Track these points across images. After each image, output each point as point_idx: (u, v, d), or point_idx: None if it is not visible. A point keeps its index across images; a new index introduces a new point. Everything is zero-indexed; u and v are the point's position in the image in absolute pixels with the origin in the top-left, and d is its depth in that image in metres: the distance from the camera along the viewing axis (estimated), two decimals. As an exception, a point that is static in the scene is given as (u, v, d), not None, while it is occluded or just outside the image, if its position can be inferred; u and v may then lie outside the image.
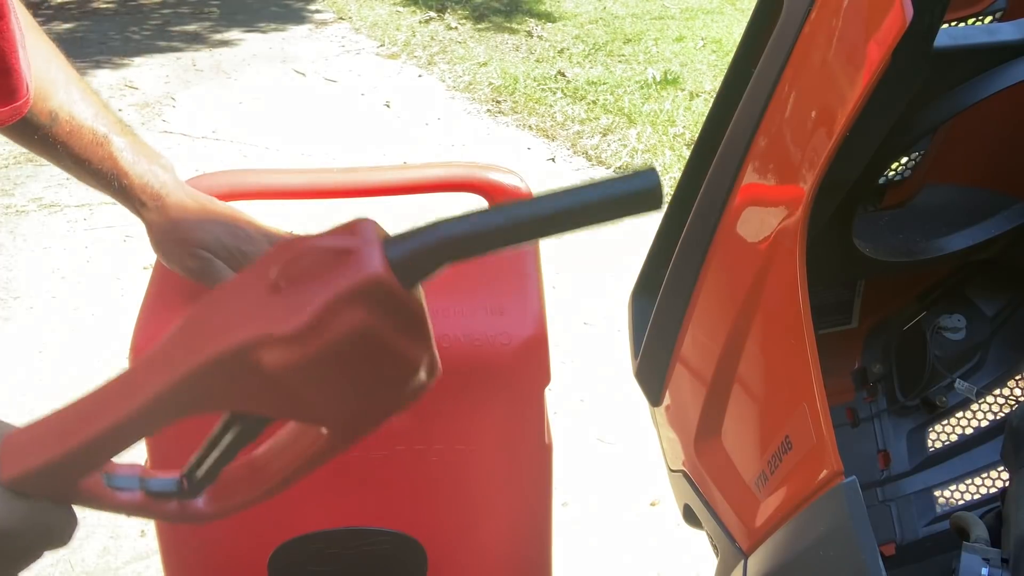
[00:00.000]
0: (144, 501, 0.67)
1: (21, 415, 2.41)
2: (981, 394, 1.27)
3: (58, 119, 0.97)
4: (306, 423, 0.64)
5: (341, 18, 6.38)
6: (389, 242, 0.59)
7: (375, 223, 0.61)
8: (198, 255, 1.02)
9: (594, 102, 4.67)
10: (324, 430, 0.64)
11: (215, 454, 0.66)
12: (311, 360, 0.57)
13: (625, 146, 4.18)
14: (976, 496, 1.27)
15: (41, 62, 0.95)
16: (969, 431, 1.29)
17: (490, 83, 5.00)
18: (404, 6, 6.54)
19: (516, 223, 0.60)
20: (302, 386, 0.59)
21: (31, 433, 0.63)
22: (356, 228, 0.59)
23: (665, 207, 1.20)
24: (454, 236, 0.60)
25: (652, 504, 2.21)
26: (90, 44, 5.55)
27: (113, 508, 0.67)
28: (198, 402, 0.61)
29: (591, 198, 0.59)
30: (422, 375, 0.63)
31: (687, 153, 2.16)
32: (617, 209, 0.60)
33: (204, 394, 0.60)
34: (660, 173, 3.96)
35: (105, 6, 6.49)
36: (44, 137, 0.97)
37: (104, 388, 0.62)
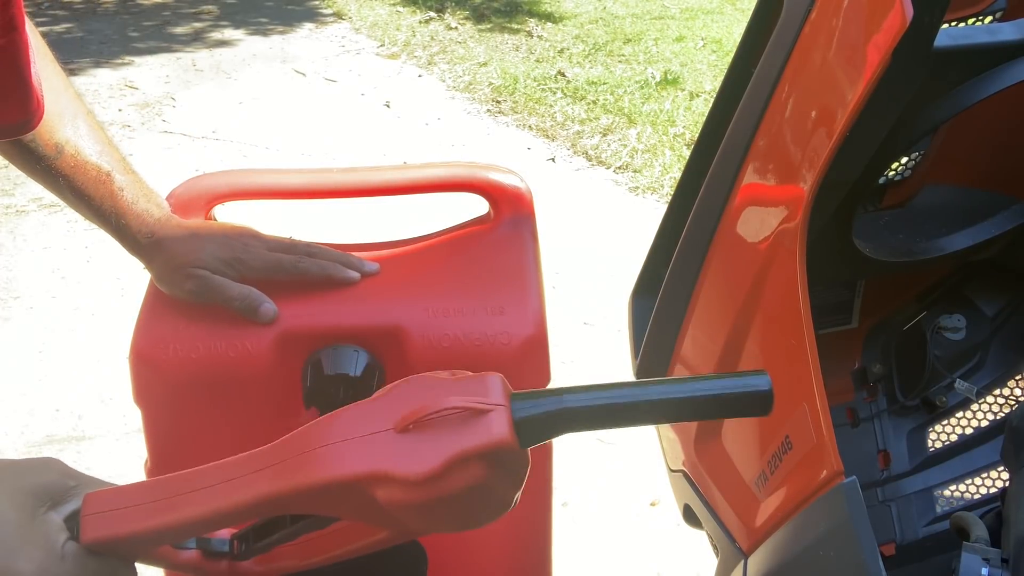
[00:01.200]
0: (199, 560, 0.70)
1: (21, 415, 2.41)
2: (981, 394, 1.27)
3: (63, 152, 0.98)
4: (377, 527, 0.67)
5: (341, 18, 6.38)
6: (516, 404, 0.62)
7: (503, 381, 0.64)
8: (194, 274, 1.03)
9: (594, 102, 4.67)
10: (387, 532, 0.67)
11: (279, 534, 0.68)
12: (423, 502, 0.60)
13: (625, 146, 4.18)
14: (976, 496, 1.27)
15: (51, 93, 0.95)
16: (969, 431, 1.29)
17: (490, 83, 5.00)
18: (404, 6, 6.54)
19: (637, 405, 0.63)
20: (402, 514, 0.62)
21: (118, 498, 0.65)
22: (488, 386, 0.63)
23: (666, 207, 1.21)
24: (576, 409, 0.63)
25: (652, 504, 2.21)
26: (90, 44, 5.55)
27: (173, 566, 0.69)
28: (297, 507, 0.63)
29: (707, 392, 0.63)
30: (507, 509, 0.66)
31: (687, 153, 2.16)
32: (729, 407, 0.64)
33: (307, 503, 0.62)
34: (662, 172, 3.92)
35: (106, 6, 6.50)
36: (47, 168, 0.98)
37: (205, 472, 0.64)
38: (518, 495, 0.66)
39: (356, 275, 1.08)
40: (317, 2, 6.78)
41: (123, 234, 1.04)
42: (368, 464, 0.60)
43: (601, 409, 0.63)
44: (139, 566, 0.68)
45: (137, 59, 5.42)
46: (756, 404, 0.62)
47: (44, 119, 0.93)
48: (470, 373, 0.64)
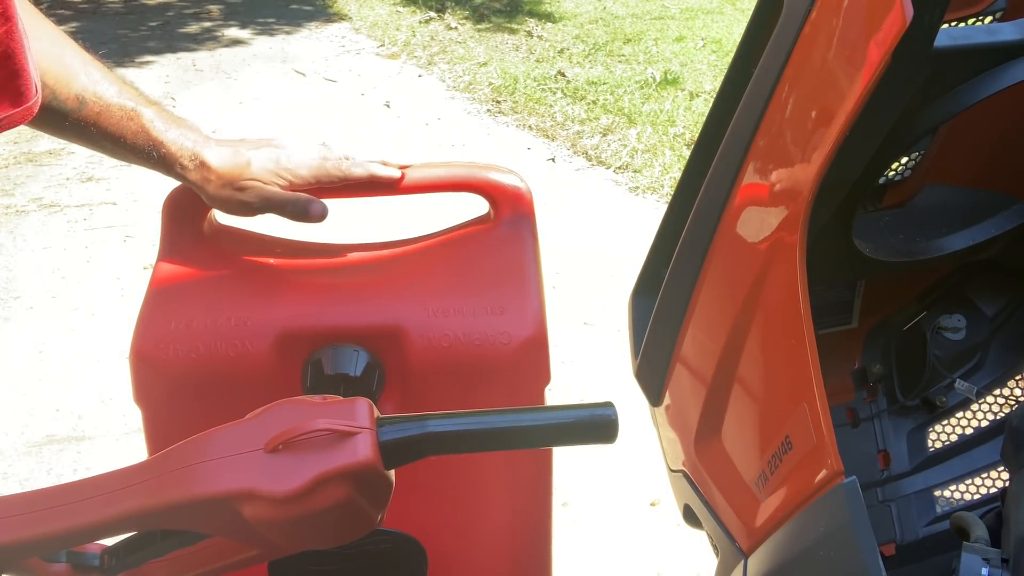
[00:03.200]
0: (69, 573, 0.71)
1: (21, 415, 2.40)
2: (981, 394, 1.27)
3: (85, 102, 0.99)
4: (246, 544, 0.69)
5: (341, 18, 6.38)
6: (382, 428, 0.66)
7: (371, 406, 0.67)
8: (247, 186, 1.05)
9: (594, 102, 4.67)
10: (255, 550, 0.69)
11: (148, 549, 0.70)
12: (288, 519, 0.63)
13: (625, 146, 4.18)
14: (976, 496, 1.27)
15: (56, 49, 0.97)
16: (969, 431, 1.29)
17: (490, 83, 5.00)
18: (404, 6, 6.54)
19: (494, 432, 0.69)
20: (267, 531, 0.64)
21: None
22: (355, 410, 0.66)
23: (666, 207, 1.21)
24: (439, 433, 0.67)
25: (652, 504, 2.21)
26: (91, 43, 5.55)
27: None
28: (168, 522, 0.65)
29: (558, 420, 0.70)
30: (371, 528, 0.70)
31: (687, 153, 2.16)
32: (579, 435, 0.70)
33: (176, 519, 0.64)
34: (662, 172, 3.92)
35: (110, 5, 6.49)
36: (75, 122, 0.99)
37: (78, 486, 0.65)
38: (382, 515, 0.69)
39: (397, 172, 1.10)
40: (317, 2, 6.78)
41: (168, 163, 1.05)
42: (237, 482, 0.62)
43: (461, 434, 0.68)
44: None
45: (137, 59, 5.43)
46: (603, 433, 0.70)
47: (57, 75, 0.95)
48: (340, 398, 0.67)
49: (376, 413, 0.67)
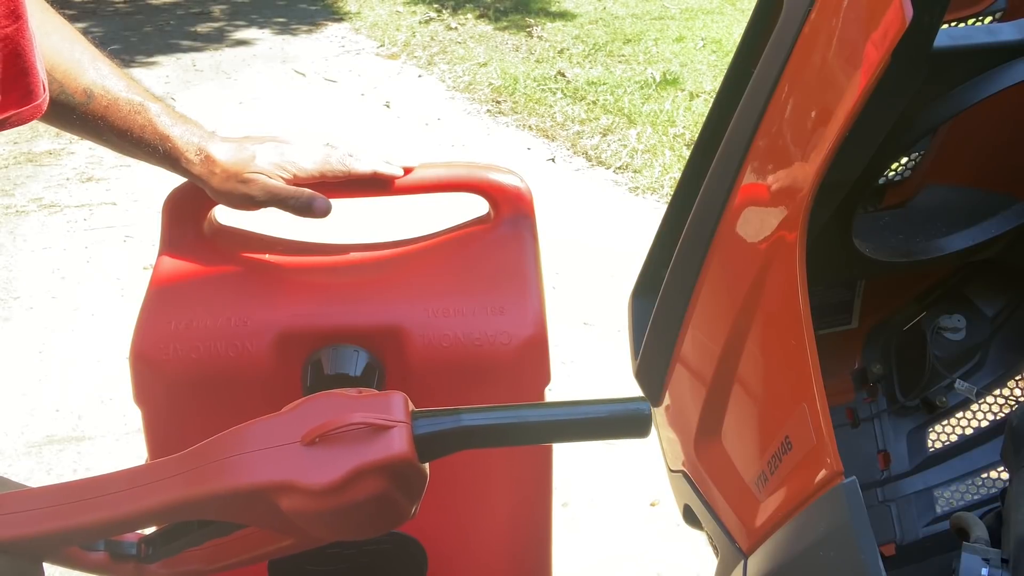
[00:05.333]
0: (107, 562, 0.72)
1: (21, 415, 2.40)
2: (981, 394, 1.27)
3: (93, 95, 1.00)
4: (281, 534, 0.70)
5: (341, 18, 6.38)
6: (417, 422, 0.66)
7: (406, 399, 0.68)
8: (251, 179, 1.05)
9: (594, 102, 4.67)
10: (290, 540, 0.70)
11: (185, 539, 0.71)
12: (324, 511, 0.64)
13: (625, 146, 4.18)
14: (976, 496, 1.27)
15: (65, 44, 0.98)
16: (969, 431, 1.29)
17: (490, 83, 5.00)
18: (404, 6, 6.54)
19: (528, 425, 0.69)
20: (304, 522, 0.65)
21: (28, 500, 0.67)
22: (391, 404, 0.67)
23: (665, 207, 1.21)
24: (473, 427, 0.68)
25: (652, 504, 2.21)
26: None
27: (80, 567, 0.71)
28: (206, 513, 0.66)
29: (593, 415, 0.70)
30: (405, 519, 0.70)
31: (687, 153, 2.16)
32: (613, 430, 0.71)
33: (213, 510, 0.65)
34: (662, 172, 3.93)
35: (114, 5, 6.49)
36: (83, 116, 1.00)
37: (116, 477, 0.67)
38: (416, 507, 0.70)
39: (400, 170, 1.11)
40: (318, 2, 6.78)
41: (174, 157, 1.05)
42: (274, 474, 0.63)
43: (495, 428, 0.68)
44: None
45: (138, 58, 5.43)
46: (636, 427, 0.70)
47: (66, 69, 0.96)
48: (376, 391, 0.68)
49: (411, 407, 0.67)
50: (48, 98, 0.90)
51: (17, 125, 0.90)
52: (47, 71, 0.90)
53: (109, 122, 1.01)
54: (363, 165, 1.09)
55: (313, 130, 4.36)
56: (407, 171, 1.12)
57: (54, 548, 0.67)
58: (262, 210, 1.09)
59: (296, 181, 1.07)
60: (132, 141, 1.03)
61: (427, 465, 0.68)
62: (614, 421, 0.70)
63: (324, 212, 1.07)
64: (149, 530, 0.72)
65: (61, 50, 0.97)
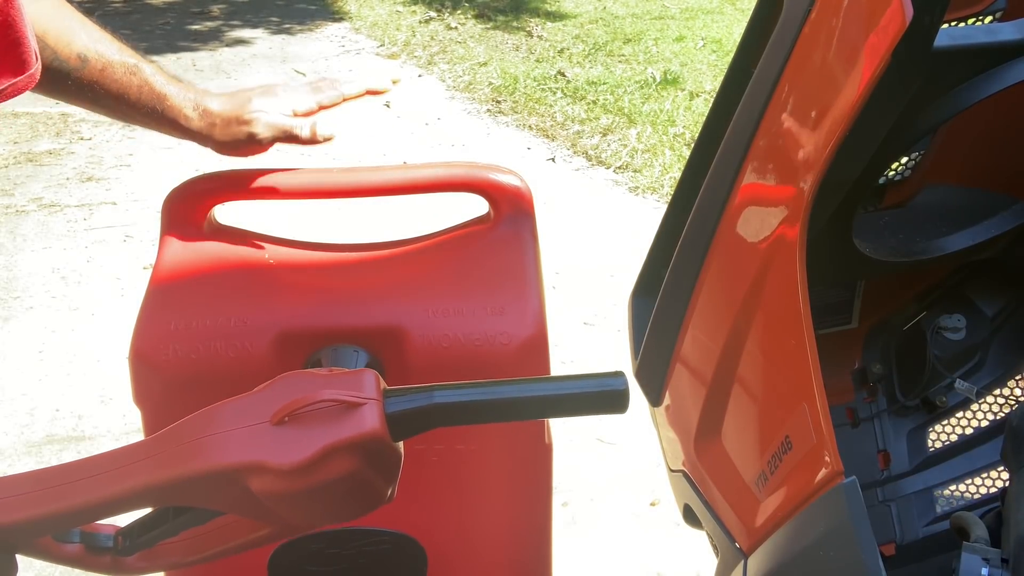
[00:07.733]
0: (82, 554, 0.71)
1: (21, 415, 2.40)
2: (981, 394, 1.27)
3: (87, 59, 1.00)
4: (258, 521, 0.68)
5: (341, 18, 6.38)
6: (388, 399, 0.65)
7: (378, 377, 0.66)
8: (252, 119, 1.07)
9: (594, 102, 4.67)
10: (268, 528, 0.68)
11: (161, 529, 0.70)
12: (296, 492, 0.62)
13: (625, 146, 4.18)
14: (976, 496, 1.27)
15: (54, 10, 0.98)
16: (969, 431, 1.29)
17: (490, 83, 5.00)
18: (404, 6, 6.54)
19: (502, 401, 0.67)
20: (277, 506, 0.64)
21: None
22: (362, 381, 0.65)
23: (666, 207, 1.21)
24: (446, 404, 0.66)
25: (652, 504, 2.21)
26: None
27: (55, 559, 0.70)
28: (177, 498, 0.65)
29: (568, 390, 0.68)
30: (382, 502, 0.69)
31: (687, 153, 2.16)
32: (589, 405, 0.69)
33: (185, 494, 0.64)
34: (662, 172, 3.93)
35: (110, 5, 6.49)
36: (77, 81, 1.00)
37: (86, 464, 0.65)
38: (392, 489, 0.68)
39: (389, 83, 1.15)
40: (318, 2, 6.78)
41: (172, 116, 1.06)
42: (243, 454, 0.62)
43: (469, 405, 0.67)
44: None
45: (137, 59, 5.42)
46: (612, 402, 0.68)
47: (57, 35, 0.96)
48: (346, 370, 0.67)
49: (383, 384, 0.66)
50: (40, 67, 0.90)
51: (12, 96, 0.90)
52: (38, 38, 0.90)
53: (105, 85, 1.01)
54: (354, 88, 1.13)
55: (313, 130, 4.36)
56: (395, 83, 1.16)
57: (25, 539, 0.66)
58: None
59: (294, 116, 1.10)
60: (129, 103, 1.03)
61: (401, 444, 0.67)
62: (590, 396, 0.68)
63: (329, 136, 1.11)
64: (126, 521, 0.71)
65: (52, 16, 0.96)
